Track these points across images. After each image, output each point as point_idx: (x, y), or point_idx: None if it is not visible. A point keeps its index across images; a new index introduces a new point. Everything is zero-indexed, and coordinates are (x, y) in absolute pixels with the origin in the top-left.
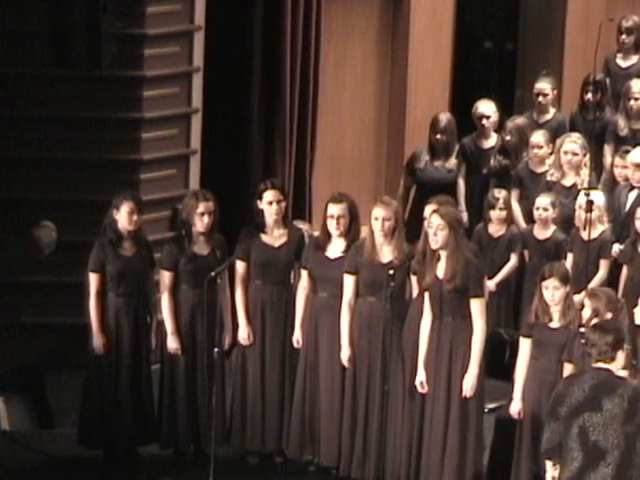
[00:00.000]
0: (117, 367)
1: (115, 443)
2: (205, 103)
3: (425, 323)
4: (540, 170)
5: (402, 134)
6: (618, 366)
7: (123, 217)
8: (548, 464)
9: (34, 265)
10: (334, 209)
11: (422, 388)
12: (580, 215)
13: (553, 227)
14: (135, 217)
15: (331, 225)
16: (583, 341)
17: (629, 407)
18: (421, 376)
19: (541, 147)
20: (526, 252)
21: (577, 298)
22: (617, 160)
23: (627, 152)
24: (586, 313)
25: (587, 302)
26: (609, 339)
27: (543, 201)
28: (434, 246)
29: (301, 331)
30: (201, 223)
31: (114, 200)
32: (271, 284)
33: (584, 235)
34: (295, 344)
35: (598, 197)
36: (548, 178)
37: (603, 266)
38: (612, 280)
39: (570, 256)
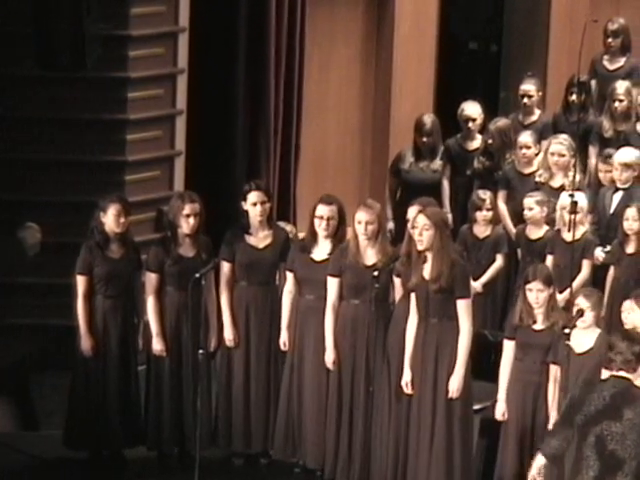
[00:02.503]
0: (105, 369)
1: (102, 445)
2: (190, 104)
3: (411, 324)
4: (527, 171)
5: (387, 136)
6: (636, 376)
7: (110, 219)
8: (540, 462)
9: (18, 266)
10: (324, 210)
11: (408, 389)
12: (563, 216)
13: (545, 227)
14: (122, 219)
15: (319, 226)
16: (568, 342)
17: None
18: (407, 377)
19: (529, 147)
20: (519, 251)
21: (559, 299)
22: (600, 165)
23: (610, 156)
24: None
25: (578, 301)
26: (636, 349)
27: (527, 200)
28: (420, 247)
29: (287, 334)
30: (187, 225)
31: (100, 202)
32: (256, 285)
33: (566, 236)
34: (282, 347)
35: (580, 198)
36: (537, 179)
37: (586, 266)
38: (597, 281)
39: (550, 258)
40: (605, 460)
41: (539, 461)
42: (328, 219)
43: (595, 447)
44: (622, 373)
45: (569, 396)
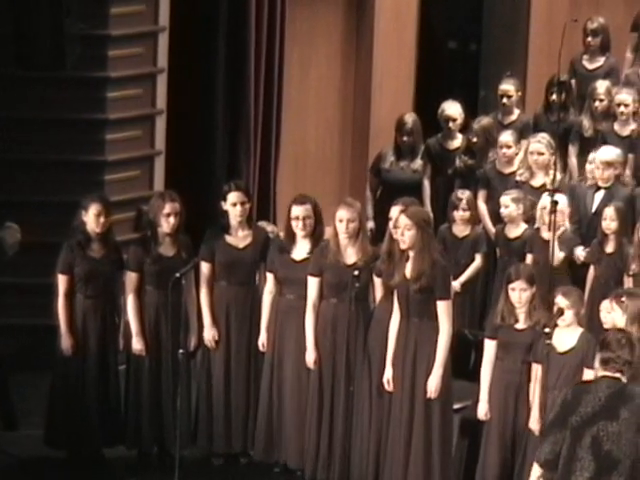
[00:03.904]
0: (84, 368)
1: (82, 444)
2: (169, 104)
3: (394, 322)
4: (508, 170)
5: (366, 135)
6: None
7: (90, 219)
8: (537, 471)
9: None
10: (299, 210)
11: (389, 386)
12: (543, 216)
13: (524, 226)
14: (102, 219)
15: (297, 227)
16: (548, 341)
17: None
18: (389, 374)
19: (510, 147)
20: (497, 250)
21: None
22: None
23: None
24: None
25: (557, 300)
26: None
27: (503, 198)
28: (402, 246)
29: (267, 335)
30: (167, 224)
31: (82, 201)
32: (236, 285)
33: (545, 235)
34: (261, 347)
35: (560, 199)
36: (517, 178)
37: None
38: (577, 280)
39: (529, 256)
40: (601, 461)
41: (535, 472)
42: (304, 219)
43: (591, 448)
44: (617, 375)
45: (561, 399)
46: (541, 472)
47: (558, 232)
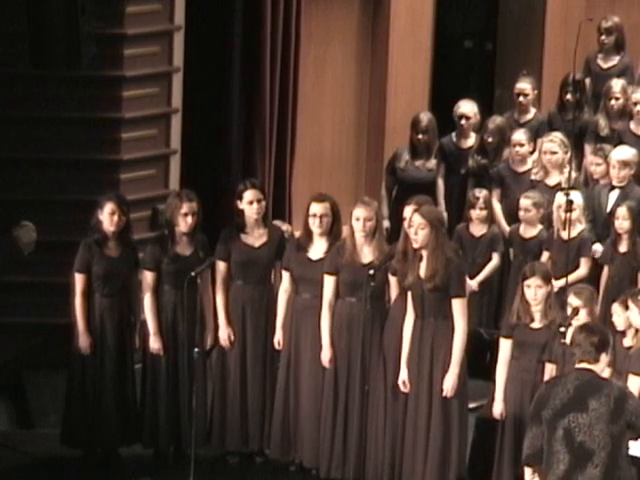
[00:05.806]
0: (101, 367)
1: (98, 443)
2: (185, 103)
3: (408, 322)
4: (521, 169)
5: (382, 134)
6: (601, 368)
7: (105, 218)
8: (527, 471)
9: (13, 265)
10: (317, 208)
11: (404, 387)
12: (560, 214)
13: (540, 226)
14: (116, 218)
15: (313, 224)
16: (563, 341)
17: (615, 407)
18: (404, 375)
19: (522, 145)
20: (511, 250)
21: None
22: (592, 158)
23: (601, 150)
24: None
25: (570, 300)
26: (594, 340)
27: (524, 202)
28: (415, 246)
29: (282, 333)
30: (184, 223)
31: (99, 200)
32: (252, 284)
33: (563, 234)
34: (276, 346)
35: (577, 197)
36: (532, 177)
37: (584, 264)
38: (592, 280)
39: (546, 254)
40: (575, 452)
41: (526, 472)
42: (321, 217)
43: (564, 440)
44: (585, 365)
45: (536, 394)
46: (530, 471)
47: (575, 231)
